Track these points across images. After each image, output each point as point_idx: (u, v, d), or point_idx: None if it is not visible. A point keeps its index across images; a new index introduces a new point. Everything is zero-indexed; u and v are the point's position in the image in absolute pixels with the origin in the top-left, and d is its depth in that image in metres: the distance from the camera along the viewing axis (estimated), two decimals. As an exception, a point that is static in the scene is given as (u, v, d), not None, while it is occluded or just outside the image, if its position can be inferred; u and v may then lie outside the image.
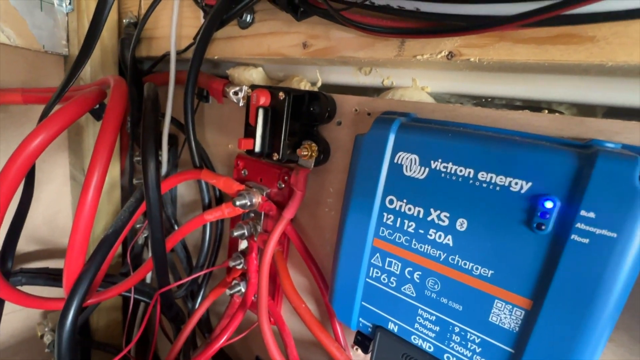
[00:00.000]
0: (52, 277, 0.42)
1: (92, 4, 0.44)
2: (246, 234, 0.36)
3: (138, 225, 0.50)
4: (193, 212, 0.49)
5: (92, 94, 0.33)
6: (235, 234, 0.36)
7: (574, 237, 0.16)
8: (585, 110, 0.23)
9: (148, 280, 0.50)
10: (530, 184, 0.17)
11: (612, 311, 0.16)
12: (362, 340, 0.26)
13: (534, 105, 0.23)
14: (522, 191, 0.17)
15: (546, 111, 0.21)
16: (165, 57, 0.41)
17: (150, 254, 0.36)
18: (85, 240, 0.31)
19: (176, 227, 0.50)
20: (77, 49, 0.47)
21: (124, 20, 0.46)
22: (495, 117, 0.21)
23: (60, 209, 0.55)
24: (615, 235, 0.15)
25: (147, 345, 0.56)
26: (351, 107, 0.29)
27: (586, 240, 0.15)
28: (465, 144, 0.18)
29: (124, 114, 0.34)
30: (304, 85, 0.34)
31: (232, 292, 0.38)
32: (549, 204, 0.16)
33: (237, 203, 0.34)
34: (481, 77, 0.24)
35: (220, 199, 0.41)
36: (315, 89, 0.33)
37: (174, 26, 0.36)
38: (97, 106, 0.39)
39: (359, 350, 0.27)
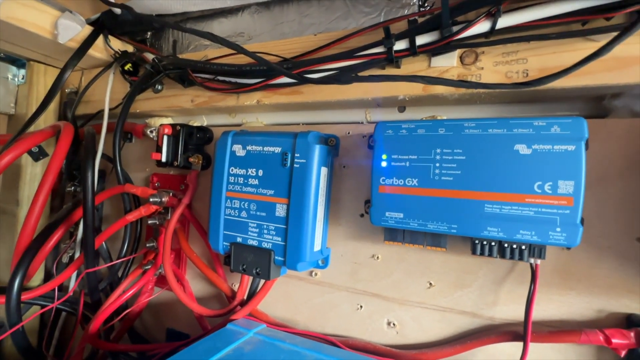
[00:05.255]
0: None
1: (42, 79, 0.62)
2: (157, 223, 0.52)
3: (63, 245, 0.60)
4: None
5: (50, 128, 0.49)
6: (150, 222, 0.52)
7: (296, 165, 0.38)
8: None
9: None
10: (280, 147, 0.39)
11: (315, 196, 0.38)
12: (227, 260, 0.43)
13: (306, 123, 0.48)
14: (277, 152, 0.39)
15: (301, 124, 0.45)
16: (99, 114, 0.59)
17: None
18: (34, 228, 0.44)
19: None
20: (23, 109, 0.62)
21: (66, 90, 0.64)
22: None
23: (-16, 242, 0.62)
24: (305, 161, 0.37)
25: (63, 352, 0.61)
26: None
27: (298, 166, 0.38)
28: (256, 137, 0.41)
29: (70, 146, 0.50)
30: (196, 124, 0.55)
31: (145, 267, 0.52)
32: (286, 155, 0.39)
33: (151, 200, 0.51)
34: (278, 114, 0.48)
35: (138, 206, 0.57)
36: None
37: (108, 92, 0.56)
38: (37, 149, 0.55)
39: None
